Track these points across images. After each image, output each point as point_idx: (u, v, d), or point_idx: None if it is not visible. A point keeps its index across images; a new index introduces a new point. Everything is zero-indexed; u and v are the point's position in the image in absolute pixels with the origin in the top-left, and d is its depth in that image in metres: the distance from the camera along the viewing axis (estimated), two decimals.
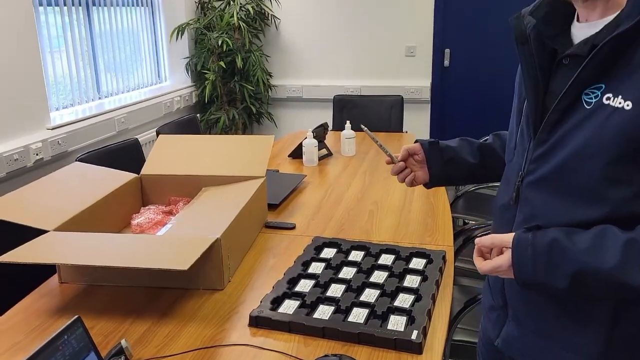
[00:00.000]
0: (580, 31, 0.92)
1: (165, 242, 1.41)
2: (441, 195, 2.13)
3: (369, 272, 1.45)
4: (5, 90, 2.63)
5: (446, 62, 4.32)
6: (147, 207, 1.89)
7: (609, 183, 0.85)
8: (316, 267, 1.49)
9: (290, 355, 1.16)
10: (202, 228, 1.53)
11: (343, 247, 1.60)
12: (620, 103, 0.83)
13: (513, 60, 4.15)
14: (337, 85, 4.41)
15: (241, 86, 4.27)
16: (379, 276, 1.43)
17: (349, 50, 4.42)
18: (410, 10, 4.23)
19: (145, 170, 1.94)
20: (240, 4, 4.18)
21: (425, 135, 4.41)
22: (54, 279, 1.50)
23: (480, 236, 0.98)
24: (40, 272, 1.51)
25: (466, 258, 2.11)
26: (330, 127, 3.37)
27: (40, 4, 2.99)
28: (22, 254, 1.30)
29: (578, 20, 0.94)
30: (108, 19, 3.60)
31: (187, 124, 3.15)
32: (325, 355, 1.13)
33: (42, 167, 2.83)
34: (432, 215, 1.94)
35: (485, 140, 1.33)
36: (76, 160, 2.17)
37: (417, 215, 1.94)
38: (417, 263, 1.50)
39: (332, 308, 1.29)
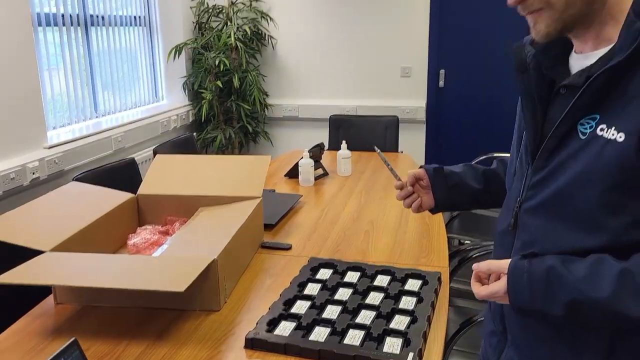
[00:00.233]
0: (577, 62, 0.94)
1: (162, 263, 1.41)
2: (436, 216, 2.14)
3: (365, 294, 1.46)
4: (3, 109, 2.64)
5: (441, 83, 4.37)
6: (143, 227, 1.90)
7: (606, 211, 0.86)
8: (312, 288, 1.50)
9: None
10: (199, 249, 1.53)
11: (339, 268, 1.61)
12: (613, 135, 0.83)
13: (507, 82, 4.20)
14: (333, 105, 4.44)
15: (238, 105, 4.30)
16: (374, 297, 1.44)
17: (345, 70, 4.46)
18: (405, 31, 4.29)
19: (142, 190, 1.95)
20: (238, 24, 4.23)
21: (421, 155, 4.44)
22: (50, 299, 1.50)
23: (478, 261, 0.99)
24: (35, 293, 1.51)
25: (462, 279, 2.11)
26: (327, 147, 3.40)
27: (40, 24, 3.02)
28: (18, 275, 1.30)
29: (575, 52, 0.95)
30: (106, 38, 3.63)
31: (184, 143, 3.17)
32: None
33: (38, 186, 2.83)
34: (428, 235, 1.95)
35: (490, 166, 1.34)
36: (73, 180, 2.17)
37: (413, 236, 1.95)
38: (413, 284, 1.50)
39: (328, 330, 1.29)
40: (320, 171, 2.75)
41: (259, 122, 4.55)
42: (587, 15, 0.87)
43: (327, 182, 2.65)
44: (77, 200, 1.80)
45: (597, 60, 0.88)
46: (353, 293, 1.46)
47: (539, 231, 0.95)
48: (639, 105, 0.81)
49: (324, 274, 1.58)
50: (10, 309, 1.46)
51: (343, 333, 1.28)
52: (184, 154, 2.93)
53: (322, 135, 4.02)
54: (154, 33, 4.24)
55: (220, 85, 4.16)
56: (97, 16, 3.53)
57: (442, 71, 4.35)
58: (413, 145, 4.41)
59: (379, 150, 1.48)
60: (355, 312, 1.37)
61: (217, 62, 4.03)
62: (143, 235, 1.82)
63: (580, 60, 0.93)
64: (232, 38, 4.04)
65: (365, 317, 1.34)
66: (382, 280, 1.53)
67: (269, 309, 1.39)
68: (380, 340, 1.25)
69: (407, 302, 1.41)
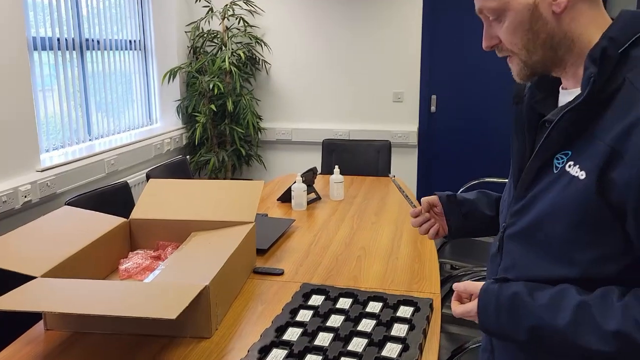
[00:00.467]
0: (563, 97, 0.96)
1: (153, 289, 1.41)
2: (428, 241, 2.15)
3: (357, 321, 1.46)
4: None
5: (433, 108, 4.42)
6: (135, 252, 1.89)
7: (574, 246, 0.88)
8: (304, 315, 1.50)
9: None
10: (191, 274, 1.53)
11: (331, 294, 1.61)
12: (577, 172, 0.86)
13: (497, 108, 4.26)
14: (326, 129, 4.48)
15: (231, 129, 4.32)
16: (366, 324, 1.44)
17: (338, 95, 4.51)
18: (397, 57, 4.35)
19: (135, 214, 1.95)
20: (232, 49, 4.27)
21: (413, 179, 4.47)
22: (40, 325, 1.49)
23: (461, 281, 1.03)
24: (25, 319, 1.50)
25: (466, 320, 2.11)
26: (319, 171, 3.42)
27: (35, 48, 3.04)
28: (9, 302, 1.29)
29: (562, 88, 0.97)
30: (101, 61, 3.66)
31: (177, 166, 3.17)
32: None
33: (30, 209, 2.82)
34: (420, 261, 1.96)
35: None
36: (65, 204, 2.17)
37: (405, 262, 1.95)
38: (405, 311, 1.50)
39: (320, 358, 1.29)
40: (312, 195, 2.76)
41: (252, 145, 4.57)
42: (553, 60, 0.91)
43: (320, 207, 2.66)
44: (68, 225, 1.80)
45: (575, 98, 0.90)
46: (345, 320, 1.46)
47: (516, 257, 0.98)
48: (598, 146, 0.83)
49: (316, 300, 1.59)
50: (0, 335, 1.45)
51: None
52: (177, 178, 2.93)
53: (315, 159, 4.05)
54: (148, 57, 4.27)
55: (214, 109, 4.19)
56: (93, 40, 3.56)
57: (433, 96, 4.40)
58: (405, 169, 4.44)
59: (394, 179, 1.48)
60: (347, 340, 1.37)
61: (211, 86, 4.06)
62: (135, 260, 1.82)
63: (565, 96, 0.95)
64: (227, 62, 4.08)
65: (357, 344, 1.34)
66: (374, 306, 1.53)
67: (261, 336, 1.39)
68: None
69: (398, 330, 1.41)
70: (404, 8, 4.27)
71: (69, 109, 3.34)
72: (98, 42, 3.62)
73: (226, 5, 4.31)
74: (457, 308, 1.02)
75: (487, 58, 4.17)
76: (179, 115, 4.37)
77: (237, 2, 4.35)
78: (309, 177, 2.72)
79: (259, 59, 4.52)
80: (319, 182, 3.03)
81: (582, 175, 0.85)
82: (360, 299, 1.57)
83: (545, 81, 0.99)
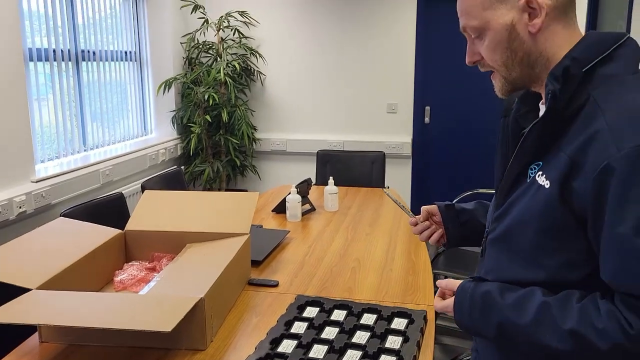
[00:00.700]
0: (541, 112, 1.01)
1: (148, 302, 1.41)
2: (422, 253, 2.17)
3: (351, 333, 1.47)
4: None
5: (426, 119, 4.46)
6: (130, 264, 1.90)
7: (541, 252, 0.93)
8: (299, 327, 1.50)
9: None
10: (186, 286, 1.53)
11: (326, 306, 1.62)
12: (543, 181, 0.91)
13: (490, 119, 4.30)
14: (320, 140, 4.50)
15: (226, 139, 4.33)
16: (361, 337, 1.45)
17: (332, 106, 4.53)
18: (391, 69, 4.39)
19: (130, 225, 1.95)
20: (227, 60, 4.30)
21: (407, 190, 4.49)
22: (34, 338, 1.49)
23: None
24: (20, 331, 1.50)
25: (448, 316, 2.12)
26: (314, 181, 3.43)
27: (31, 59, 3.05)
28: (4, 314, 1.29)
29: (541, 103, 1.02)
30: (96, 72, 3.68)
31: (172, 177, 3.18)
32: None
33: (24, 219, 2.82)
34: (413, 273, 1.97)
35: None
36: (60, 215, 2.17)
37: (399, 273, 1.96)
38: (399, 323, 1.51)
39: None
40: (307, 206, 2.77)
41: (247, 155, 4.59)
42: (531, 76, 0.98)
43: (314, 218, 2.68)
44: (63, 236, 1.80)
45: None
46: (339, 332, 1.47)
47: (495, 261, 1.04)
48: (562, 158, 0.89)
49: (311, 312, 1.59)
50: None
51: None
52: (172, 189, 2.94)
53: (310, 169, 4.06)
54: (144, 68, 4.29)
55: (209, 120, 4.20)
56: (88, 51, 3.58)
57: (427, 108, 4.44)
58: (399, 180, 4.46)
59: (387, 192, 1.55)
60: (341, 352, 1.37)
61: (206, 97, 4.08)
62: (130, 271, 1.82)
63: (542, 110, 1.00)
64: (222, 73, 4.11)
65: (352, 357, 1.35)
66: (368, 318, 1.54)
67: (256, 348, 1.40)
68: None
69: (393, 342, 1.42)
70: (398, 20, 4.31)
71: (64, 119, 3.34)
72: (94, 53, 3.63)
73: (221, 16, 4.34)
74: (438, 303, 1.08)
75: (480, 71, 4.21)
76: (174, 126, 4.38)
77: (233, 14, 4.38)
78: (303, 188, 2.73)
79: (254, 70, 4.55)
80: (313, 193, 3.05)
81: (547, 184, 0.90)
82: (354, 310, 1.58)
83: (529, 96, 1.05)
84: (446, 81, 4.36)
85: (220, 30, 4.38)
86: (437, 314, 1.71)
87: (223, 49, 4.37)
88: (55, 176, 3.03)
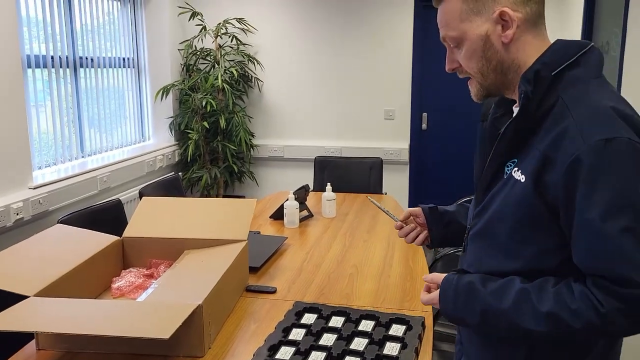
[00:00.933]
0: (514, 114, 1.06)
1: (146, 308, 1.41)
2: (420, 259, 2.17)
3: (349, 339, 1.47)
4: None
5: (424, 126, 4.47)
6: (127, 270, 1.89)
7: (518, 242, 1.00)
8: (297, 334, 1.50)
9: None
10: (184, 293, 1.53)
11: (324, 313, 1.62)
12: (519, 176, 0.99)
13: None
14: (318, 146, 4.51)
15: (224, 146, 4.34)
16: (359, 343, 1.45)
17: (330, 112, 4.55)
18: (389, 75, 4.41)
19: (128, 232, 1.95)
20: (225, 67, 4.31)
21: (404, 196, 4.50)
22: (32, 345, 1.48)
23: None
24: (17, 338, 1.49)
25: (445, 322, 2.12)
26: (311, 188, 3.43)
27: (29, 66, 3.05)
28: (2, 322, 1.29)
29: (515, 106, 1.10)
30: (94, 78, 3.68)
31: (170, 183, 3.18)
32: None
33: (22, 226, 2.81)
34: (411, 279, 1.97)
35: None
36: (58, 222, 2.17)
37: (396, 280, 1.97)
38: (397, 329, 1.52)
39: None
40: (305, 213, 2.77)
41: (245, 162, 4.59)
42: (504, 83, 1.05)
43: (312, 224, 2.68)
44: (61, 243, 1.80)
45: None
46: (338, 339, 1.47)
47: (476, 254, 1.11)
48: (535, 154, 0.96)
49: (309, 318, 1.59)
50: None
51: None
52: (170, 195, 2.94)
53: (307, 175, 4.07)
54: (142, 74, 4.30)
55: (207, 126, 4.21)
56: (86, 58, 3.58)
57: (424, 114, 4.45)
58: (397, 186, 4.47)
59: (372, 200, 1.64)
60: (339, 358, 1.37)
61: (204, 103, 4.09)
62: (127, 278, 1.82)
63: (515, 113, 1.06)
64: (219, 80, 4.12)
65: None
66: (366, 325, 1.54)
67: (254, 355, 1.40)
68: None
69: (391, 348, 1.42)
70: (395, 27, 4.33)
71: (62, 126, 3.35)
72: (92, 59, 3.64)
73: (219, 23, 4.35)
74: (424, 297, 1.15)
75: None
76: (171, 132, 4.38)
77: (230, 21, 4.40)
78: (301, 195, 2.73)
79: (252, 76, 4.56)
80: (311, 200, 3.05)
81: (522, 178, 0.98)
82: (352, 317, 1.58)
83: (504, 101, 1.13)
84: (443, 88, 4.38)
85: (218, 37, 4.39)
86: (435, 321, 1.71)
87: (221, 55, 4.38)
88: (52, 183, 3.03)
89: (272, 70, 4.55)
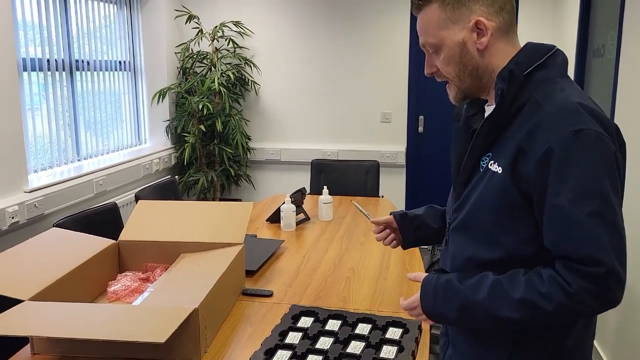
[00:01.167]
0: (487, 113, 1.14)
1: (142, 312, 1.41)
2: (416, 262, 2.17)
3: (346, 343, 1.46)
4: None
5: (420, 129, 4.47)
6: (123, 274, 1.89)
7: (499, 231, 1.05)
8: (293, 337, 1.50)
9: None
10: (180, 297, 1.53)
11: (320, 316, 1.61)
12: (496, 168, 1.05)
13: None
14: (314, 149, 4.51)
15: (220, 149, 4.33)
16: (355, 347, 1.44)
17: (326, 115, 4.55)
18: (385, 78, 4.41)
19: (124, 236, 1.94)
20: (222, 70, 4.31)
21: (401, 199, 4.50)
22: (26, 349, 1.48)
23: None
24: (12, 342, 1.49)
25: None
26: (308, 191, 3.43)
27: (25, 69, 3.05)
28: None
29: (487, 105, 1.16)
30: (91, 82, 3.67)
31: (166, 187, 3.17)
32: None
33: (17, 230, 2.80)
34: (408, 282, 1.97)
35: None
36: (53, 226, 2.16)
37: (393, 283, 1.96)
38: (394, 333, 1.51)
39: None
40: (302, 216, 2.77)
41: (241, 165, 4.58)
42: (479, 86, 1.12)
43: (309, 227, 2.67)
44: (57, 247, 1.79)
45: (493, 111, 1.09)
46: (334, 342, 1.46)
47: (457, 246, 1.16)
48: (510, 147, 1.03)
49: (305, 322, 1.59)
50: None
51: None
52: (166, 199, 2.93)
53: (304, 178, 4.07)
54: (138, 77, 4.29)
55: (204, 129, 4.20)
56: (82, 61, 3.58)
57: (421, 117, 4.46)
58: (393, 189, 4.47)
59: (356, 204, 1.73)
60: None
61: (200, 107, 4.08)
62: (123, 282, 1.82)
63: (488, 111, 1.13)
64: (216, 83, 4.11)
65: None
66: (363, 328, 1.54)
67: (250, 359, 1.39)
68: None
69: (387, 352, 1.41)
70: (391, 30, 4.34)
71: (58, 129, 3.34)
72: (88, 62, 3.63)
73: (216, 26, 4.35)
74: (402, 301, 1.20)
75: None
76: (168, 136, 4.38)
77: (227, 24, 4.40)
78: (297, 198, 2.73)
79: (248, 79, 4.56)
80: (307, 203, 3.05)
81: (499, 170, 1.04)
82: (349, 320, 1.58)
83: (476, 100, 1.19)
84: (439, 91, 4.36)
85: (215, 40, 4.39)
86: (431, 325, 1.71)
87: (217, 58, 4.38)
88: (48, 186, 3.02)
89: (269, 73, 4.56)
